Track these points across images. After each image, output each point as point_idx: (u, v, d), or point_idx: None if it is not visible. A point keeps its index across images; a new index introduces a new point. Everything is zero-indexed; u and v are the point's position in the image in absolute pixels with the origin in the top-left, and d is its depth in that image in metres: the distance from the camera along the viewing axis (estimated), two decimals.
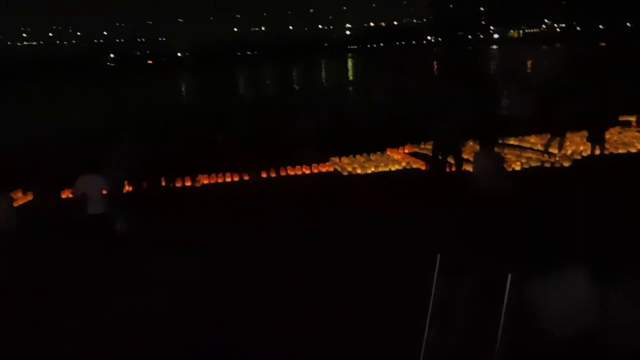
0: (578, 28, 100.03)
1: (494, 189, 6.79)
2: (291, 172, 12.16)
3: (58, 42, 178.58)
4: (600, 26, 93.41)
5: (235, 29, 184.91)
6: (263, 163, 12.43)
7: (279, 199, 10.13)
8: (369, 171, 11.72)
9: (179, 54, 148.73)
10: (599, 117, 11.88)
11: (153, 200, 10.57)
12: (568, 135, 12.19)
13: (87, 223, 8.00)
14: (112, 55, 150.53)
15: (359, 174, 11.64)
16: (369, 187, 10.65)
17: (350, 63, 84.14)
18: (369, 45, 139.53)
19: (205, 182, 11.98)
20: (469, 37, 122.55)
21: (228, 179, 12.04)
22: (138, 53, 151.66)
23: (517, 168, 10.93)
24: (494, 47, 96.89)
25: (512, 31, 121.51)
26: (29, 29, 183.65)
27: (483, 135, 8.07)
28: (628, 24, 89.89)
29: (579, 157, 11.60)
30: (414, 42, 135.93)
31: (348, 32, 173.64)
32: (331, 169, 12.25)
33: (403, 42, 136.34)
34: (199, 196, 11.10)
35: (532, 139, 13.80)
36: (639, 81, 27.77)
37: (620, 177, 9.43)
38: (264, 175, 12.04)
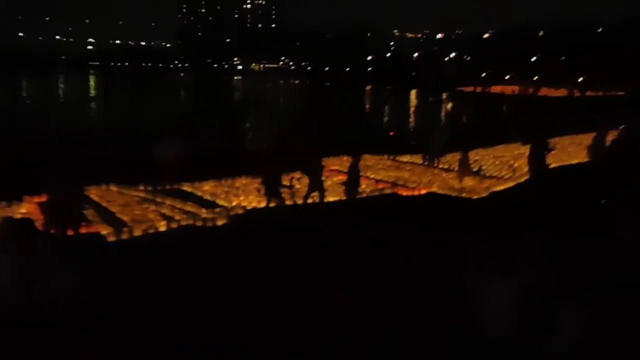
0: (309, 68, 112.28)
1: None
2: None
3: None
4: (327, 68, 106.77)
5: None
6: None
7: None
8: None
9: None
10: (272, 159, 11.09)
11: None
12: None
13: None
14: None
15: None
16: None
17: (92, 80, 75.69)
18: (112, 64, 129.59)
19: None
20: (215, 65, 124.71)
21: None
22: None
23: (163, 228, 9.10)
24: (238, 77, 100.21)
25: (254, 64, 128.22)
26: None
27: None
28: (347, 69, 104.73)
29: (241, 212, 10.40)
30: (161, 64, 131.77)
31: (90, 47, 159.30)
32: None
33: (150, 64, 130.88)
34: None
35: (207, 185, 12.39)
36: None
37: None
38: None
